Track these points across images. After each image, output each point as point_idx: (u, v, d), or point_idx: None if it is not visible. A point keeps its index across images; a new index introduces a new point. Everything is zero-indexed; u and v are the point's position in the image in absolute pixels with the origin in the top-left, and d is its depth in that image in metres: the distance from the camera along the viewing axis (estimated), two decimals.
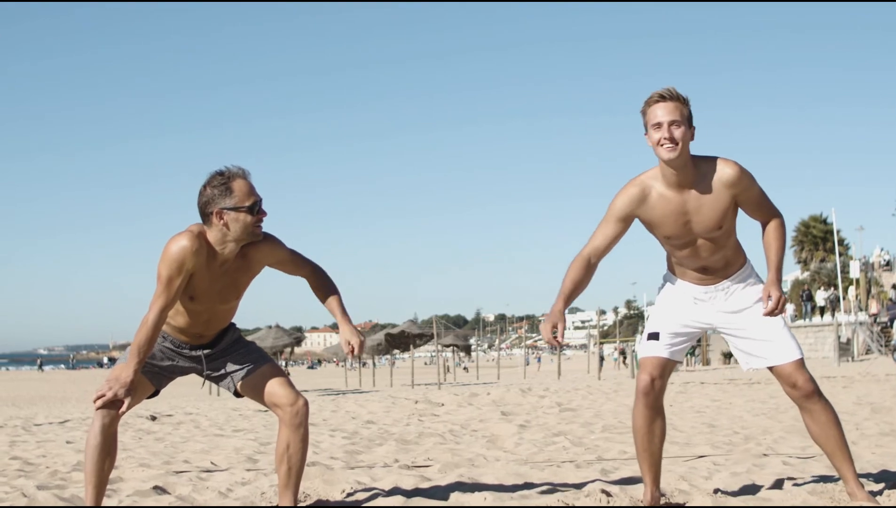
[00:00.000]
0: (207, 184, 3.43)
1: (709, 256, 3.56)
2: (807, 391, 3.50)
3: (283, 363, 28.35)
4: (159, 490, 4.41)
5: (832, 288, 37.51)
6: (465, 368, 52.34)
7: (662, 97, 3.39)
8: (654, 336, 3.65)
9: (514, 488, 4.28)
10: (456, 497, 4.07)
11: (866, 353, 31.11)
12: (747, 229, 3.65)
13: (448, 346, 36.08)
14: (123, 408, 3.40)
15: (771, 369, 3.56)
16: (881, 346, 30.53)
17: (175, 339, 3.65)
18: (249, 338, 3.88)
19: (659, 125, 3.37)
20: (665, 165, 3.41)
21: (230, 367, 3.71)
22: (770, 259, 3.54)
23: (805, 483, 4.13)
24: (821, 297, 37.19)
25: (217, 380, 3.76)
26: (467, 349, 37.80)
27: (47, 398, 24.94)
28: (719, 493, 4.00)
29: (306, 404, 3.62)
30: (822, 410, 3.53)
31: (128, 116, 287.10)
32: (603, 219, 3.56)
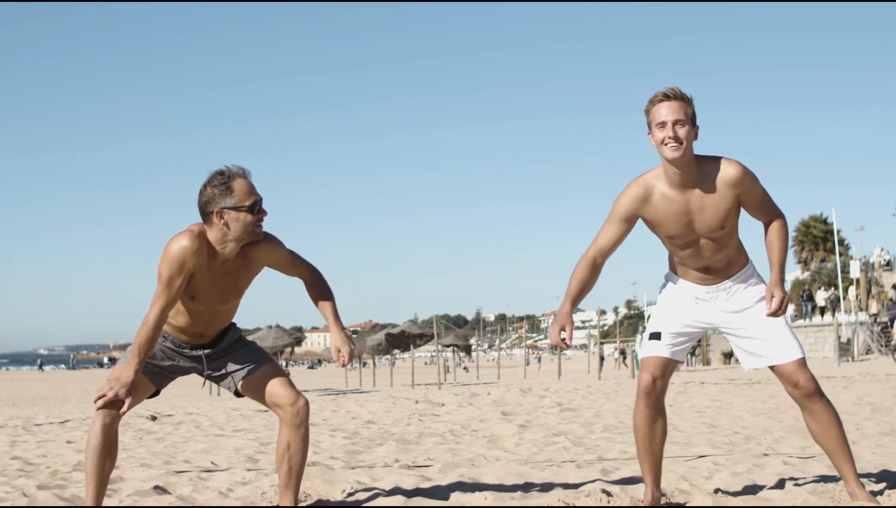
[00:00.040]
0: (208, 183, 3.43)
1: (711, 255, 3.56)
2: (808, 391, 3.50)
3: (284, 363, 28.34)
4: (160, 489, 4.41)
5: (832, 288, 37.52)
6: (465, 368, 52.34)
7: (667, 96, 3.39)
8: (655, 336, 3.65)
9: (514, 488, 4.28)
10: (456, 497, 4.07)
11: (866, 353, 31.12)
12: (748, 229, 3.66)
13: (448, 346, 36.08)
14: (124, 408, 3.41)
15: (772, 368, 3.56)
16: (881, 346, 30.53)
17: (176, 339, 3.65)
18: (249, 338, 3.89)
19: (663, 124, 3.37)
20: (669, 164, 3.41)
21: (231, 367, 3.71)
22: (773, 260, 3.54)
23: (806, 483, 4.13)
24: (821, 297, 37.20)
25: (218, 380, 3.76)
26: (467, 349, 37.80)
27: (48, 398, 24.95)
28: (720, 493, 4.00)
29: (307, 404, 3.62)
30: (824, 410, 3.53)
31: (128, 116, 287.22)
32: (607, 219, 3.57)
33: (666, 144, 3.36)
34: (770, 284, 3.48)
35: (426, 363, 70.81)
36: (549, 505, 3.75)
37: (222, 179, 3.42)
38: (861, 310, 34.35)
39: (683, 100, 3.39)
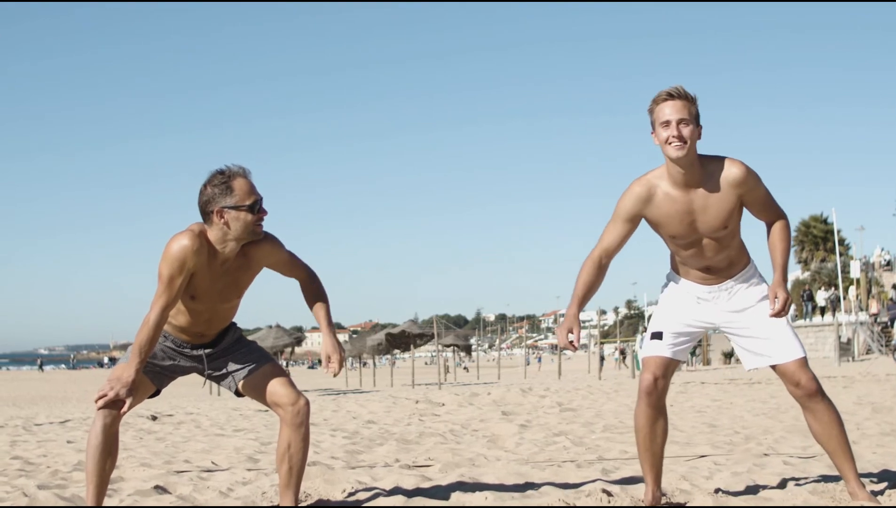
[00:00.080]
0: (208, 183, 3.43)
1: (713, 255, 3.56)
2: (810, 391, 3.50)
3: (284, 363, 28.35)
4: (160, 489, 4.41)
5: (833, 288, 37.53)
6: (465, 368, 52.34)
7: (671, 95, 3.39)
8: (657, 336, 3.65)
9: (515, 487, 4.28)
10: (457, 497, 4.07)
11: (867, 353, 31.13)
12: (750, 229, 3.66)
13: (448, 346, 36.08)
14: (125, 408, 3.41)
15: (774, 368, 3.56)
16: (882, 346, 30.54)
17: (176, 338, 3.65)
18: (250, 338, 3.89)
19: (667, 123, 3.37)
20: (672, 163, 3.41)
21: (231, 366, 3.71)
22: (776, 260, 3.54)
23: (806, 483, 4.13)
24: (821, 297, 37.21)
25: (218, 380, 3.76)
26: (468, 349, 37.80)
27: (48, 397, 24.96)
28: (720, 493, 4.00)
29: (307, 403, 3.62)
30: (825, 409, 3.53)
31: (128, 116, 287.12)
32: (610, 219, 3.57)
33: (670, 144, 3.36)
34: (773, 284, 3.48)
35: (426, 363, 70.82)
36: (550, 505, 3.75)
37: (222, 179, 3.42)
38: (861, 310, 34.36)
39: (687, 99, 3.39)
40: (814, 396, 3.51)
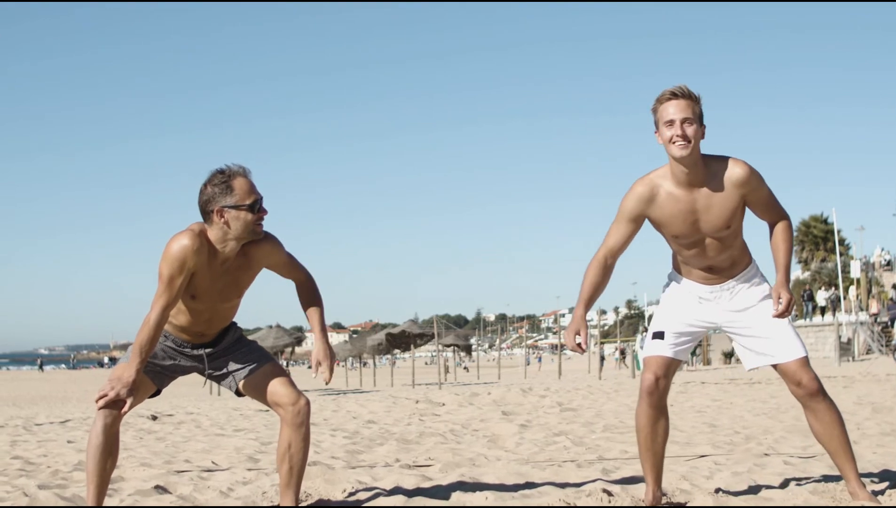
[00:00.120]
0: (208, 182, 3.43)
1: (715, 255, 3.56)
2: (811, 390, 3.50)
3: (284, 363, 28.35)
4: (160, 489, 4.41)
5: (833, 288, 37.53)
6: (465, 368, 52.33)
7: (674, 95, 3.39)
8: (658, 335, 3.65)
9: (515, 487, 4.28)
10: (457, 497, 4.07)
11: (867, 353, 31.13)
12: (751, 229, 3.66)
13: (449, 346, 36.08)
14: (126, 408, 3.41)
15: (775, 367, 3.56)
16: (882, 346, 30.54)
17: (177, 338, 3.65)
18: (250, 338, 3.89)
19: (671, 123, 3.37)
20: (676, 162, 3.41)
21: (232, 366, 3.71)
22: (779, 261, 3.55)
23: (807, 483, 4.13)
24: (822, 297, 37.22)
25: (219, 379, 3.76)
26: (468, 349, 37.80)
27: (48, 397, 24.96)
28: (721, 493, 4.00)
29: (308, 403, 3.62)
30: (827, 409, 3.53)
31: (128, 116, 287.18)
32: (614, 220, 3.57)
33: (674, 143, 3.36)
34: (776, 285, 3.49)
35: (426, 363, 70.82)
36: (550, 505, 3.75)
37: (223, 178, 3.42)
38: (861, 310, 34.37)
39: (691, 98, 3.39)
40: (815, 395, 3.51)
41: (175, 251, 3.37)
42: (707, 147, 3.47)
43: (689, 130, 3.36)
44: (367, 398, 13.42)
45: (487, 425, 7.82)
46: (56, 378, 52.08)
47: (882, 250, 44.43)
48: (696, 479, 4.36)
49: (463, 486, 4.34)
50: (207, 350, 3.69)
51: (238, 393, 3.74)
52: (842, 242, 44.27)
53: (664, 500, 3.77)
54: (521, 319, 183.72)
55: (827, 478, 4.20)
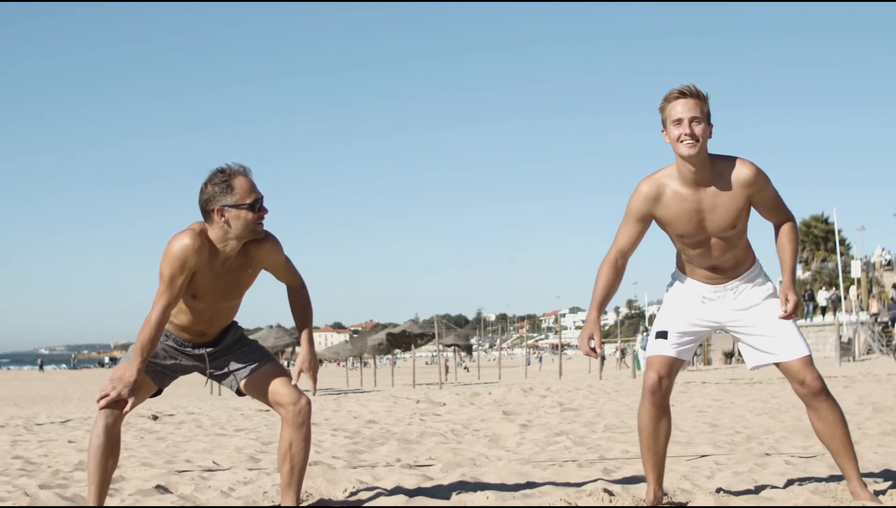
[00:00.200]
0: (208, 181, 3.43)
1: (720, 255, 3.56)
2: (815, 389, 3.50)
3: (285, 363, 28.36)
4: (161, 489, 4.41)
5: (833, 288, 37.53)
6: (466, 368, 52.32)
7: (682, 93, 3.39)
8: (662, 335, 3.65)
9: (516, 487, 4.28)
10: (458, 497, 4.07)
11: (867, 353, 31.11)
12: (755, 229, 3.65)
13: (449, 346, 36.07)
14: (127, 408, 3.41)
15: (779, 366, 3.56)
16: (882, 346, 30.53)
17: (178, 337, 3.65)
18: (250, 338, 3.89)
19: (679, 121, 3.37)
20: (683, 161, 3.41)
21: (233, 366, 3.71)
22: (784, 262, 3.55)
23: (807, 483, 4.13)
24: (822, 297, 37.21)
25: (220, 379, 3.76)
26: (468, 349, 37.79)
27: (49, 397, 24.96)
28: (722, 493, 4.00)
29: (309, 403, 3.62)
30: (830, 409, 3.53)
31: (128, 116, 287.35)
32: (623, 220, 3.58)
33: (682, 141, 3.36)
34: (783, 287, 3.49)
35: (427, 363, 70.82)
36: (551, 505, 3.75)
37: (223, 177, 3.42)
38: (862, 310, 34.35)
39: (699, 97, 3.40)
40: (818, 395, 3.51)
41: (176, 251, 3.37)
42: (708, 147, 3.46)
43: (698, 129, 3.36)
44: (368, 397, 13.42)
45: (488, 425, 7.82)
46: (56, 378, 52.08)
47: (883, 249, 44.42)
48: (697, 479, 4.36)
49: (464, 486, 4.34)
50: (209, 350, 3.69)
51: (239, 393, 3.74)
52: (842, 242, 44.29)
53: (665, 500, 3.77)
54: (522, 319, 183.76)
55: (828, 478, 4.19)
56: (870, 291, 37.38)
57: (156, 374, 3.64)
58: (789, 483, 4.20)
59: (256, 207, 3.44)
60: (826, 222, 49.51)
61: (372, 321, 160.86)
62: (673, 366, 3.63)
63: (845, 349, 27.84)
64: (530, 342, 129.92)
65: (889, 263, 43.39)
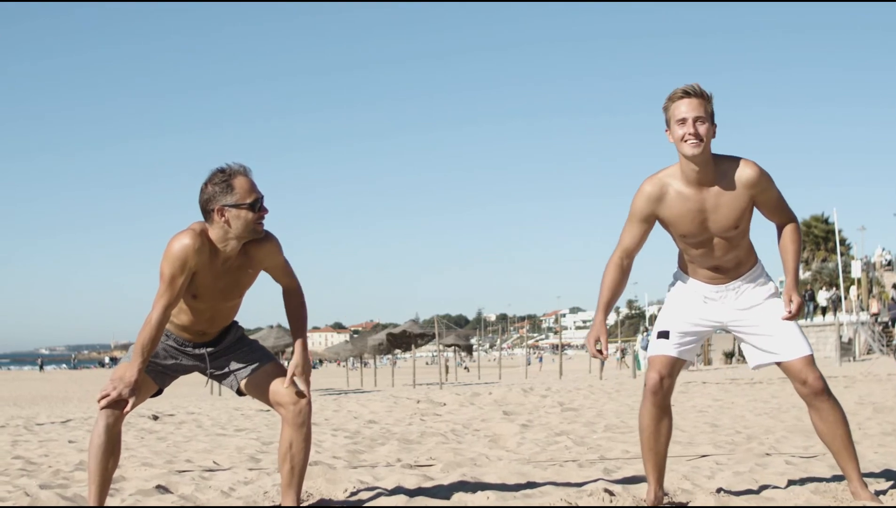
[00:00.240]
0: (209, 181, 3.43)
1: (722, 255, 3.56)
2: (816, 389, 3.50)
3: (285, 363, 28.33)
4: (162, 489, 4.41)
5: (834, 288, 37.53)
6: (466, 368, 52.32)
7: (687, 93, 3.39)
8: (663, 335, 3.65)
9: (516, 487, 4.28)
10: (459, 497, 4.07)
11: (868, 353, 31.12)
12: (758, 230, 3.66)
13: (449, 346, 36.07)
14: (128, 408, 3.41)
15: (780, 365, 3.56)
16: (883, 346, 30.53)
17: (178, 337, 3.65)
18: (251, 338, 3.89)
19: (683, 121, 3.37)
20: (687, 161, 3.41)
21: (234, 365, 3.71)
22: (787, 263, 3.56)
23: (808, 483, 4.13)
24: (822, 297, 37.22)
25: (220, 378, 3.76)
26: (469, 349, 37.78)
27: (49, 397, 24.97)
28: (722, 492, 4.00)
29: (309, 403, 3.62)
30: (831, 409, 3.53)
31: (128, 116, 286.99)
32: (627, 221, 3.58)
33: (686, 141, 3.36)
34: (787, 288, 3.50)
35: (427, 363, 70.84)
36: (552, 505, 3.75)
37: (223, 177, 3.42)
38: (862, 310, 34.36)
39: (703, 97, 3.40)
40: (820, 394, 3.51)
41: (176, 251, 3.37)
42: (711, 146, 3.46)
43: (702, 129, 3.36)
44: (368, 398, 13.42)
45: (489, 425, 7.82)
46: (57, 378, 52.10)
47: (883, 249, 44.44)
48: (697, 479, 4.36)
49: (464, 486, 4.34)
50: (209, 349, 3.69)
51: (240, 392, 3.74)
52: (843, 242, 44.30)
53: (666, 500, 3.77)
54: (522, 319, 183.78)
55: (828, 478, 4.19)
56: (870, 291, 37.40)
57: (156, 374, 3.64)
58: (790, 483, 4.20)
59: (257, 206, 3.44)
60: (826, 221, 49.53)
61: (372, 321, 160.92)
62: (674, 366, 3.63)
63: (845, 349, 27.85)
64: (531, 342, 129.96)
65: (889, 263, 43.40)
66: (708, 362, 36.50)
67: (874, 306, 33.11)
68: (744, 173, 3.44)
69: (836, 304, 35.72)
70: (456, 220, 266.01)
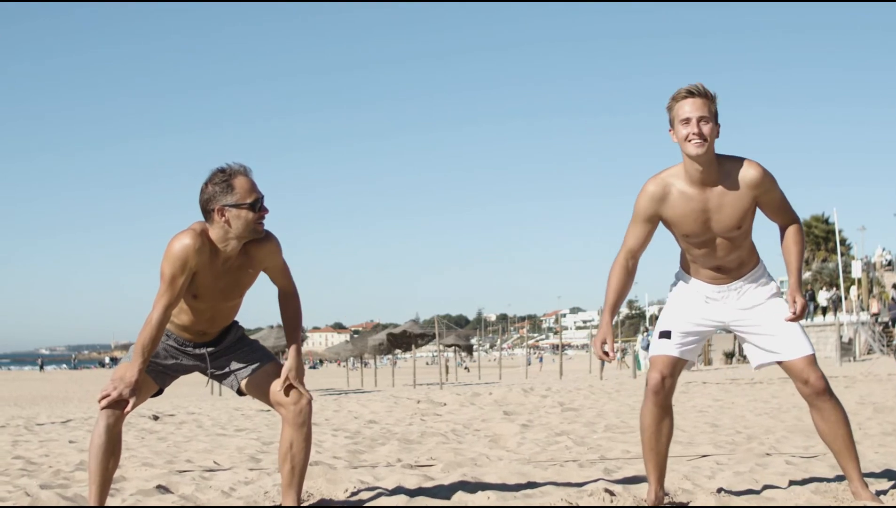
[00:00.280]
0: (209, 181, 3.44)
1: (725, 255, 3.56)
2: (818, 389, 3.50)
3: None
4: (162, 489, 4.41)
5: (834, 288, 37.53)
6: (466, 368, 52.32)
7: (690, 93, 3.40)
8: (665, 335, 3.65)
9: (517, 487, 4.28)
10: (459, 497, 4.07)
11: (868, 353, 31.12)
12: (760, 230, 3.66)
13: (450, 346, 36.07)
14: (128, 408, 3.41)
15: (782, 365, 3.56)
16: (883, 346, 30.53)
17: (179, 337, 3.65)
18: (251, 338, 3.89)
19: (687, 121, 3.37)
20: (691, 161, 3.41)
21: (234, 365, 3.72)
22: (791, 265, 3.56)
23: (808, 483, 4.13)
24: (823, 297, 37.22)
25: (221, 378, 3.76)
26: (469, 349, 37.78)
27: (49, 397, 24.97)
28: (723, 492, 4.00)
29: (310, 403, 3.62)
30: (833, 408, 3.53)
31: (128, 116, 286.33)
32: (631, 221, 3.59)
33: (690, 141, 3.37)
34: (790, 289, 3.50)
35: (427, 363, 70.84)
36: (552, 505, 3.75)
37: (223, 177, 3.42)
38: (862, 310, 34.36)
39: (707, 97, 3.40)
40: (822, 394, 3.51)
41: (177, 251, 3.37)
42: (715, 146, 3.47)
43: (706, 129, 3.36)
44: (369, 398, 13.42)
45: (489, 425, 7.82)
46: (57, 378, 52.11)
47: (883, 249, 44.43)
48: (698, 479, 4.36)
49: (465, 486, 4.34)
50: (209, 349, 3.70)
51: (240, 392, 3.74)
52: (843, 242, 44.29)
53: (666, 500, 3.77)
54: (522, 319, 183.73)
55: (829, 478, 4.19)
56: (870, 291, 37.39)
57: (157, 374, 3.64)
58: (791, 483, 4.20)
59: (257, 206, 3.44)
60: (826, 222, 49.52)
61: (372, 321, 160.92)
62: (676, 366, 3.63)
63: (846, 349, 27.85)
64: (531, 342, 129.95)
65: (889, 263, 43.40)
66: (708, 362, 36.49)
67: (874, 307, 33.11)
68: (747, 174, 3.44)
69: (836, 304, 35.72)
70: (456, 220, 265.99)
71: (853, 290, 36.34)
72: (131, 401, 3.39)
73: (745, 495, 3.93)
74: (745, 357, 4.26)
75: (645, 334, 31.93)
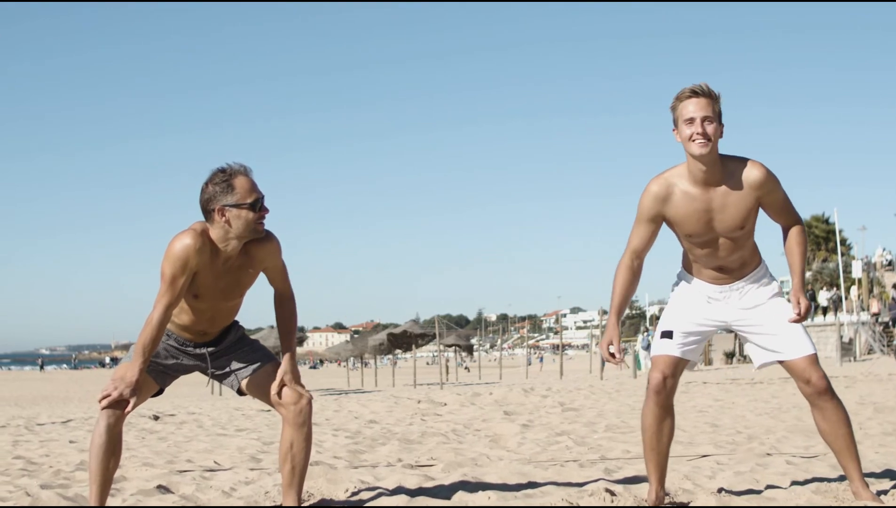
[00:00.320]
0: (209, 181, 3.44)
1: (727, 255, 3.56)
2: (820, 388, 3.50)
3: None
4: (163, 489, 4.41)
5: (834, 288, 37.52)
6: (466, 368, 52.32)
7: (694, 92, 3.40)
8: (667, 335, 3.65)
9: (517, 487, 4.28)
10: (459, 497, 4.07)
11: (868, 353, 31.10)
12: (762, 230, 3.66)
13: (450, 346, 36.05)
14: (129, 408, 3.41)
15: (784, 365, 3.56)
16: (883, 346, 30.52)
17: (179, 337, 3.65)
18: (251, 338, 3.88)
19: (691, 120, 3.37)
20: (695, 161, 3.42)
21: (235, 365, 3.72)
22: (794, 266, 3.56)
23: (809, 483, 4.13)
24: (823, 297, 37.19)
25: (221, 378, 3.76)
26: (469, 349, 37.77)
27: (50, 397, 24.98)
28: (723, 492, 4.00)
29: (310, 402, 3.62)
30: (834, 408, 3.53)
31: (128, 116, 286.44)
32: (635, 221, 3.59)
33: (694, 141, 3.37)
34: (793, 290, 3.51)
35: (428, 363, 70.84)
36: (553, 505, 3.75)
37: (224, 177, 3.42)
38: (863, 310, 34.35)
39: (711, 97, 3.40)
40: (823, 394, 3.51)
41: (177, 251, 3.37)
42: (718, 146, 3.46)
43: (710, 129, 3.37)
44: (369, 398, 13.42)
45: (489, 425, 7.82)
46: (57, 378, 52.11)
47: (883, 249, 44.43)
48: (698, 479, 4.36)
49: (465, 486, 4.34)
50: (210, 349, 3.70)
51: (240, 392, 3.74)
52: (843, 242, 44.27)
53: (667, 500, 3.77)
54: (523, 319, 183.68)
55: (829, 478, 4.19)
56: (871, 291, 37.39)
57: (157, 374, 3.64)
58: (791, 483, 4.20)
59: (257, 206, 3.44)
60: (827, 222, 49.50)
61: (372, 321, 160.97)
62: (678, 366, 3.63)
63: (846, 349, 27.84)
64: (531, 342, 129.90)
65: (890, 263, 43.39)
66: (709, 362, 36.49)
67: (875, 306, 33.09)
68: (751, 174, 3.44)
69: (836, 304, 35.70)
70: (456, 220, 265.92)
71: (853, 290, 36.34)
72: (132, 401, 3.39)
73: (746, 495, 3.93)
74: (745, 357, 4.27)
75: (645, 334, 31.91)
